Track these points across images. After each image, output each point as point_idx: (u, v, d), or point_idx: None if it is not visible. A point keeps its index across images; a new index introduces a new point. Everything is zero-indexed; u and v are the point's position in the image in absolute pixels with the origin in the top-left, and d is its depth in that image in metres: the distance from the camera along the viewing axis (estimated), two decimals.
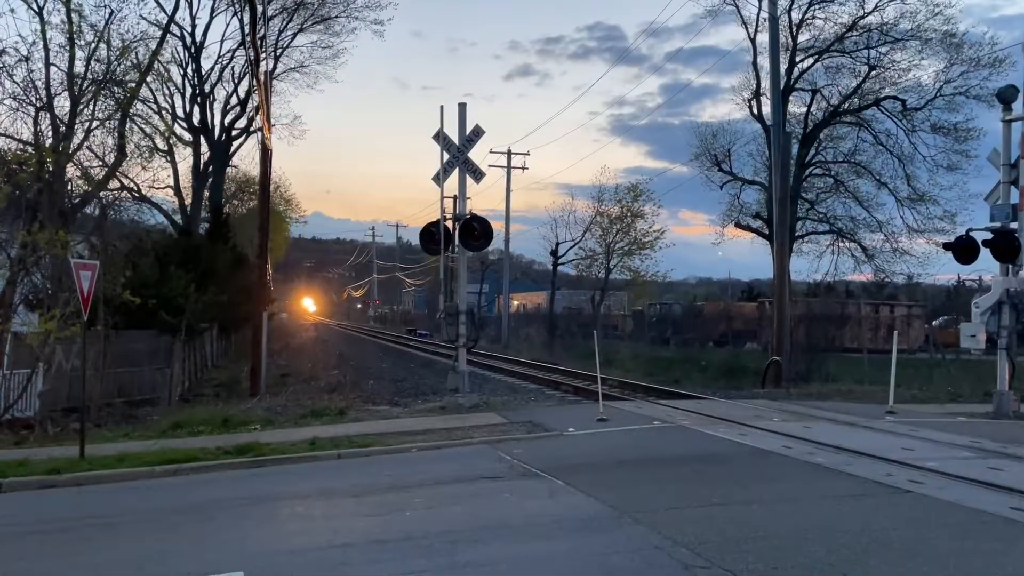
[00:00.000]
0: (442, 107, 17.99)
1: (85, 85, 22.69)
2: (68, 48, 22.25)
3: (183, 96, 40.26)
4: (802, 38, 34.20)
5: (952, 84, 32.38)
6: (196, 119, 40.36)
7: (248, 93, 39.64)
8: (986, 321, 15.54)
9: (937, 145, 33.43)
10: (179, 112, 40.18)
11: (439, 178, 18.13)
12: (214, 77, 40.80)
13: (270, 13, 30.71)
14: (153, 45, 29.26)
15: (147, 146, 32.98)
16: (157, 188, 35.57)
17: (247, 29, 29.91)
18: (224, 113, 41.75)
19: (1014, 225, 15.33)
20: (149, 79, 30.71)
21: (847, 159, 35.70)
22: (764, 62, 32.04)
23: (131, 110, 26.74)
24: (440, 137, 17.90)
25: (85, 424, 12.06)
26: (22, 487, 9.92)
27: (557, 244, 49.62)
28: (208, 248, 29.21)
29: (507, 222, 53.96)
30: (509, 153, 51.97)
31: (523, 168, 55.42)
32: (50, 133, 22.11)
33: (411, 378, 26.59)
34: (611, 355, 31.99)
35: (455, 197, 18.64)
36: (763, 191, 35.34)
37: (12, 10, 35.02)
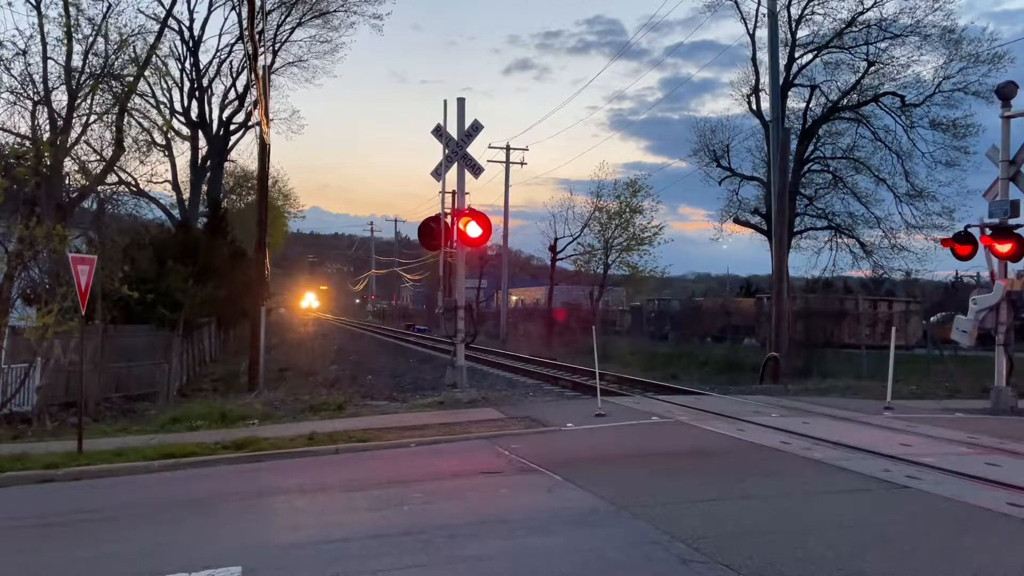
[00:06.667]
0: (445, 102, 18.03)
1: (83, 79, 22.69)
2: (66, 42, 22.25)
3: (181, 90, 40.31)
4: (801, 34, 34.26)
5: (951, 80, 32.46)
6: (194, 113, 40.34)
7: (246, 88, 39.68)
8: (981, 319, 15.54)
9: (936, 141, 33.53)
10: (177, 106, 40.23)
11: (438, 173, 18.12)
12: (212, 71, 40.83)
13: (268, 7, 30.63)
14: (151, 39, 29.26)
15: (145, 140, 33.04)
16: (155, 183, 35.66)
17: (245, 23, 29.86)
18: (222, 108, 41.79)
19: (1013, 221, 15.34)
20: (147, 73, 30.68)
21: (846, 155, 35.72)
22: (763, 57, 32.10)
23: (129, 104, 26.73)
24: (439, 132, 17.87)
25: (83, 418, 12.05)
26: (20, 482, 9.91)
27: (556, 239, 49.59)
28: (206, 243, 29.19)
29: (506, 217, 53.99)
30: (508, 148, 52.00)
31: (522, 163, 55.56)
32: (48, 127, 22.16)
33: (409, 373, 26.60)
34: (609, 350, 31.99)
35: (454, 192, 18.69)
36: (762, 187, 35.37)
37: (10, 3, 34.82)
